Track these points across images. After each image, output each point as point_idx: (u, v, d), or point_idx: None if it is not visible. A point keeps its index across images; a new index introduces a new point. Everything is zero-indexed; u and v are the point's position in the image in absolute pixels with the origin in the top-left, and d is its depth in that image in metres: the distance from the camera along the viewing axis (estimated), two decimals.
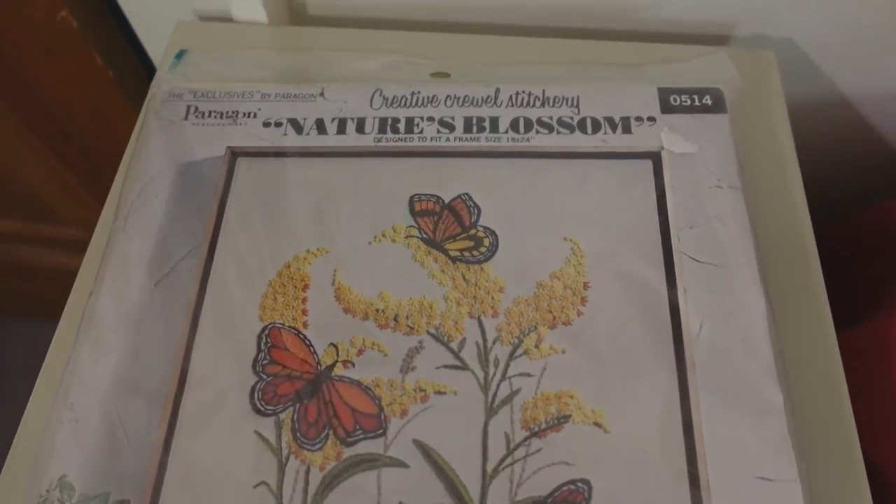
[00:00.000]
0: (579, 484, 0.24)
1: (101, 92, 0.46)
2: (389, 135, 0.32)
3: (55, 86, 0.47)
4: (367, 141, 0.32)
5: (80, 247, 0.79)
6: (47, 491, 0.25)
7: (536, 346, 0.27)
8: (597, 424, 0.25)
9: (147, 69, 0.48)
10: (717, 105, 0.32)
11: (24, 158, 0.57)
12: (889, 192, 0.44)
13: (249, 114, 0.33)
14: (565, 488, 0.24)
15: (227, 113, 0.33)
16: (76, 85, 0.46)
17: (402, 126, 0.32)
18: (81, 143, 0.53)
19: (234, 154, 0.32)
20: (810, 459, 0.25)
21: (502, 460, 0.25)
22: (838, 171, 0.51)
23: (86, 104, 0.48)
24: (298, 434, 0.26)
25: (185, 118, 0.33)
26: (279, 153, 0.32)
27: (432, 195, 0.30)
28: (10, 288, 0.89)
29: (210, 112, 0.33)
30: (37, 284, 0.87)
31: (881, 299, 0.38)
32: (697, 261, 0.28)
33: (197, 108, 0.34)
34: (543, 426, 0.25)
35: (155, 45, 0.45)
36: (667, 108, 0.32)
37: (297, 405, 0.26)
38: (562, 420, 0.25)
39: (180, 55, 0.36)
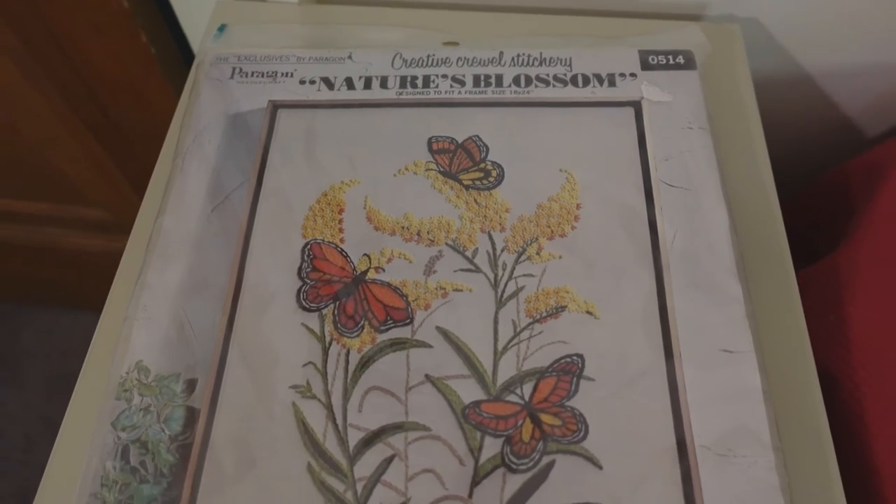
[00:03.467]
0: (574, 357, 0.29)
1: (142, 69, 0.51)
2: (409, 89, 0.37)
3: (100, 63, 0.52)
4: (391, 94, 0.37)
5: (104, 227, 0.84)
6: (126, 373, 0.30)
7: (538, 253, 0.32)
8: (588, 312, 0.30)
9: (182, 51, 0.54)
10: (689, 63, 0.37)
11: (61, 137, 0.62)
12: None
13: (287, 73, 0.38)
14: (562, 360, 0.29)
15: (267, 73, 0.39)
16: (120, 62, 0.51)
17: (420, 82, 0.37)
18: (118, 121, 0.58)
19: (276, 106, 0.37)
20: (764, 339, 0.30)
21: (510, 341, 0.30)
22: (802, 144, 0.57)
23: (127, 81, 0.53)
24: (339, 324, 0.30)
25: (231, 77, 0.38)
26: (314, 105, 0.37)
27: (447, 137, 0.35)
28: (31, 273, 0.93)
29: (252, 72, 0.39)
30: (56, 269, 0.92)
31: (834, 244, 0.43)
32: (672, 186, 0.33)
33: (241, 69, 0.39)
34: (544, 314, 0.30)
35: (192, 25, 0.50)
36: (646, 66, 0.37)
37: (337, 302, 0.31)
38: (559, 309, 0.30)
39: (222, 28, 0.42)
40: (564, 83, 0.37)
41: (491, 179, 0.34)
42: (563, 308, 0.30)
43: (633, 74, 0.37)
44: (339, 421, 0.28)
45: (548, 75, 0.37)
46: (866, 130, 0.55)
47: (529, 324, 0.30)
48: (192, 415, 0.29)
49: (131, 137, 0.61)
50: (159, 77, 0.52)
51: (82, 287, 0.93)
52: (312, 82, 0.38)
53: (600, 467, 0.27)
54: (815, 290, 0.39)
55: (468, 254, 0.32)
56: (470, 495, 0.27)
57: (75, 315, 1.07)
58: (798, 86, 0.52)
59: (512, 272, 0.31)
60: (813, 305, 0.38)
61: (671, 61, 0.37)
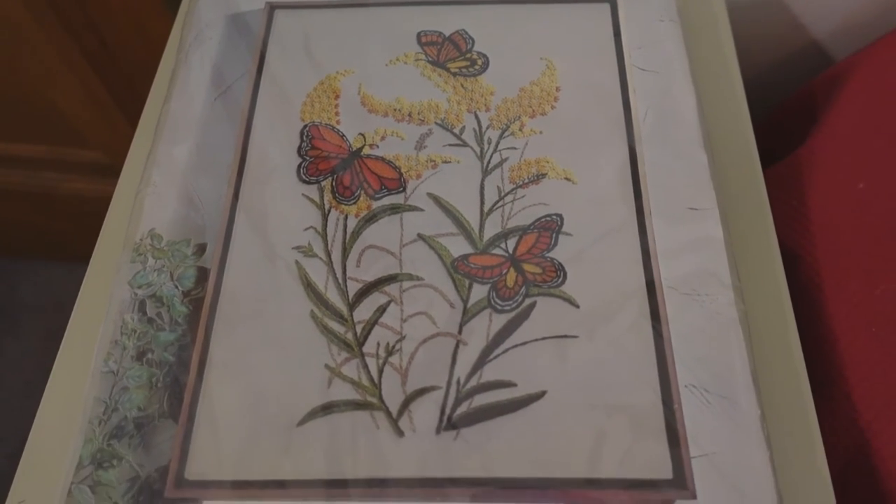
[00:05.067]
0: (554, 216, 0.32)
1: None
2: None
3: None
4: None
5: (102, 171, 0.85)
6: (140, 239, 0.32)
7: (520, 130, 0.34)
8: (567, 178, 0.33)
9: None
10: None
11: (59, 71, 0.63)
12: None
13: None
14: (543, 219, 0.32)
15: None
16: None
17: None
18: (116, 51, 0.60)
19: (273, 7, 0.39)
20: (726, 200, 0.33)
21: (495, 203, 0.32)
22: (772, 69, 0.59)
23: (125, 7, 0.55)
24: (337, 194, 0.33)
25: None
26: (309, 6, 0.39)
27: (435, 31, 0.38)
28: (28, 222, 0.95)
29: None
30: (53, 218, 0.93)
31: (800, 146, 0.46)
32: (644, 70, 0.36)
33: None
34: (526, 181, 0.33)
35: None
36: None
37: (335, 175, 0.33)
38: (540, 177, 0.33)
39: None
40: None
41: (476, 67, 0.36)
42: (544, 175, 0.33)
43: None
44: (339, 275, 0.31)
45: None
46: (834, 53, 0.58)
47: (513, 189, 0.33)
48: (202, 274, 0.31)
49: (129, 70, 0.62)
50: (156, 2, 0.54)
51: (79, 238, 0.94)
52: None
53: (577, 306, 0.30)
54: (778, 181, 0.42)
55: (456, 131, 0.34)
56: (459, 332, 0.29)
57: (71, 268, 1.09)
58: (767, 8, 0.54)
59: (496, 146, 0.34)
60: (776, 194, 0.41)
61: None
